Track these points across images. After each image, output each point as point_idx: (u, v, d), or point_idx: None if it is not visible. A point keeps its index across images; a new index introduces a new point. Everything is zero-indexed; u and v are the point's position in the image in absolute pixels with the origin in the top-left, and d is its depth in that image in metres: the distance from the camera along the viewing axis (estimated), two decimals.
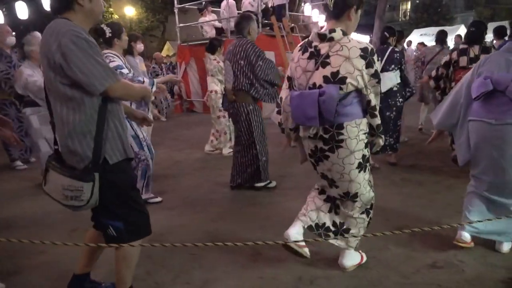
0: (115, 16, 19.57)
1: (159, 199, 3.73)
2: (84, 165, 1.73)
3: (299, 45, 2.28)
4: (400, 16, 32.99)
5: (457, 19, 28.45)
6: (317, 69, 2.07)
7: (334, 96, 1.99)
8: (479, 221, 2.27)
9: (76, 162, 1.75)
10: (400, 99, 4.39)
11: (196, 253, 2.63)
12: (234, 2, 9.12)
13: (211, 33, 9.33)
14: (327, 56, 2.03)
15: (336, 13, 2.07)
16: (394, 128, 4.47)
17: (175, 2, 9.71)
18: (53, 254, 2.66)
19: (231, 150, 5.49)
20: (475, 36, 4.17)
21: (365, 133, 2.13)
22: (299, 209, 2.40)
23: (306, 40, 2.21)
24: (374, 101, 2.09)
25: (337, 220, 2.33)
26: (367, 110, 2.12)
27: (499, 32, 5.59)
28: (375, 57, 2.03)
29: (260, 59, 3.69)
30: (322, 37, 2.07)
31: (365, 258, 2.43)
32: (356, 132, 2.08)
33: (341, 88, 2.01)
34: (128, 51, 4.19)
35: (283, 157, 4.64)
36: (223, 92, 5.36)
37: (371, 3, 21.55)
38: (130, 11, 21.30)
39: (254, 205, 3.55)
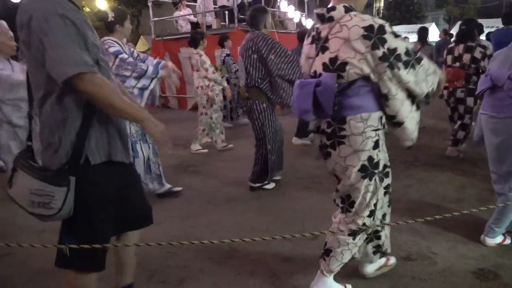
0: (86, 9, 19.01)
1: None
2: (59, 164, 1.47)
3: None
4: (373, 13, 33.59)
5: (428, 17, 29.37)
6: (317, 55, 1.80)
7: (330, 87, 1.73)
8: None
9: (50, 159, 1.49)
10: None
11: (171, 251, 2.58)
12: None
13: (186, 27, 9.20)
14: (326, 40, 1.75)
15: None
16: None
17: None
18: (22, 255, 2.56)
19: (200, 148, 5.42)
20: (463, 34, 4.33)
21: (375, 130, 1.81)
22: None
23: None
24: (388, 88, 1.75)
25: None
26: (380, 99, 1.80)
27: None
28: (387, 35, 1.67)
29: (272, 53, 3.45)
30: (321, 18, 1.79)
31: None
32: (361, 128, 1.78)
33: (341, 76, 1.73)
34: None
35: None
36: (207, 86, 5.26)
37: None
38: (102, 4, 20.73)
39: (228, 202, 3.52)
